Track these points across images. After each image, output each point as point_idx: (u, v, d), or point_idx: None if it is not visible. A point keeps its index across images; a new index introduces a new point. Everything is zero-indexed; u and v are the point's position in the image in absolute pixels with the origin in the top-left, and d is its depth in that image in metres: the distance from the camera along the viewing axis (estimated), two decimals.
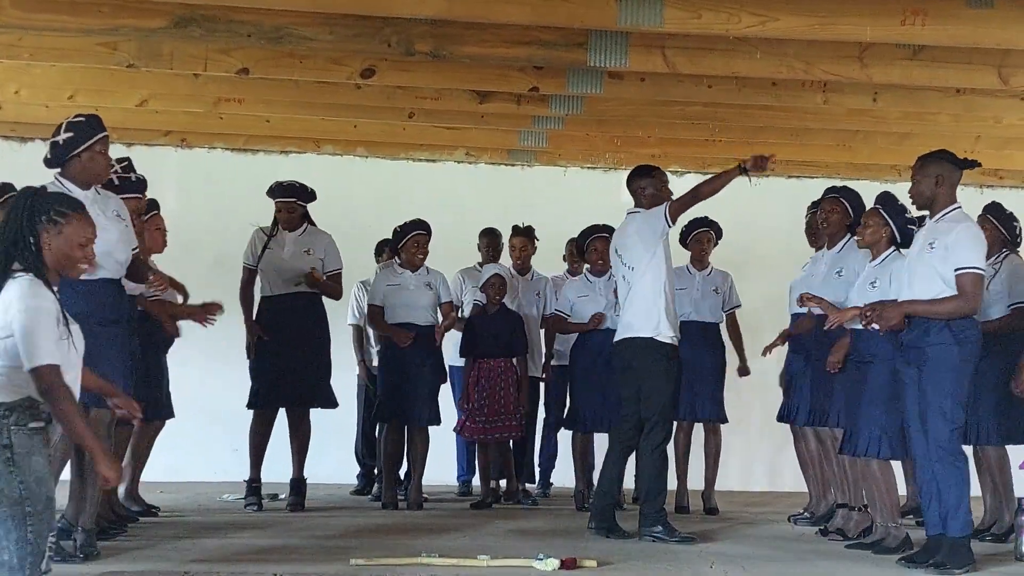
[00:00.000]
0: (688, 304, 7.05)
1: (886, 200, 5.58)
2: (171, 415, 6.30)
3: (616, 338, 5.84)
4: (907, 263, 5.13)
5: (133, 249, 4.93)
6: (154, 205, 6.04)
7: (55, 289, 3.34)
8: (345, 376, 7.74)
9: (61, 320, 3.28)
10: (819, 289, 5.92)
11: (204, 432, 7.94)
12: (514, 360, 6.97)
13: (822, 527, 6.15)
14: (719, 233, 7.27)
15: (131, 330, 4.98)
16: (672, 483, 7.17)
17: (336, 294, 6.80)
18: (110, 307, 4.70)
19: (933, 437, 4.88)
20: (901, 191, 5.49)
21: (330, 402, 6.75)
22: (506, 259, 7.65)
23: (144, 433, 6.22)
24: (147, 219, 5.91)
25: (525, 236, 7.52)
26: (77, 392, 3.35)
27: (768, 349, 6.66)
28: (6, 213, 3.44)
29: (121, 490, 6.14)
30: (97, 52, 6.10)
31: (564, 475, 7.89)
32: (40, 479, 3.21)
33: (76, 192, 4.55)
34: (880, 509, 5.50)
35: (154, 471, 6.56)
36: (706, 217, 7.19)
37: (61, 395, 3.20)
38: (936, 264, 4.93)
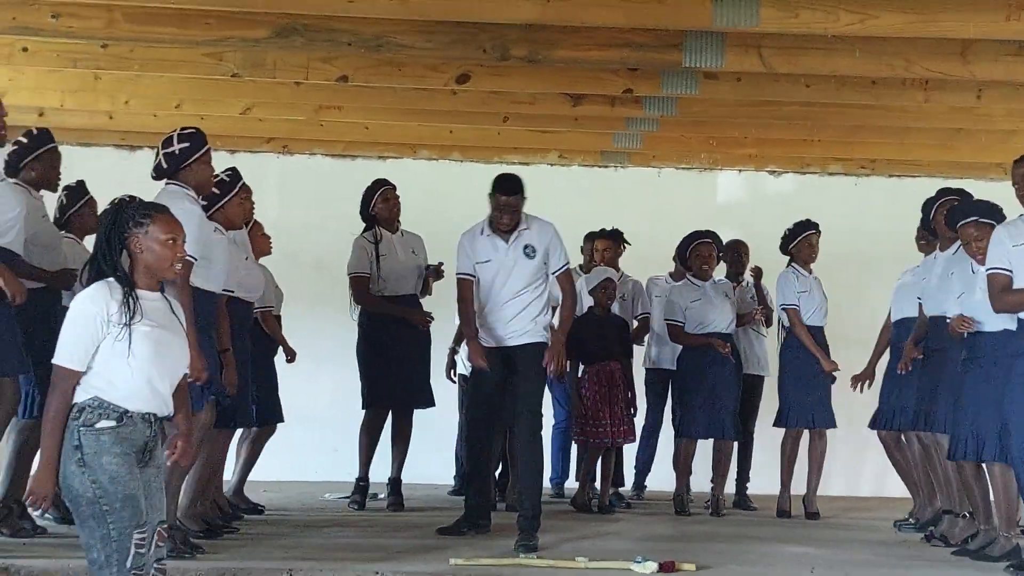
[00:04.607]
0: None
1: (984, 209, 5.43)
2: (279, 420, 6.47)
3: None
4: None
5: None
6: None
7: (135, 294, 3.34)
8: (444, 378, 7.84)
9: (119, 323, 3.28)
10: (935, 292, 5.80)
11: (305, 433, 8.10)
12: (622, 363, 6.96)
13: (926, 533, 6.04)
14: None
15: None
16: (776, 487, 7.14)
17: (429, 292, 6.92)
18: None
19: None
20: (1005, 190, 5.36)
21: (430, 402, 6.85)
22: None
23: (259, 437, 6.42)
24: (250, 227, 6.06)
25: (611, 239, 7.48)
26: (153, 396, 3.35)
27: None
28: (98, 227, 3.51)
29: (230, 489, 6.33)
30: (203, 62, 6.29)
31: (651, 478, 7.90)
32: (114, 478, 3.25)
33: (193, 195, 4.75)
34: (996, 515, 5.33)
35: (258, 471, 6.73)
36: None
37: (55, 395, 3.26)
38: None
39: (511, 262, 5.51)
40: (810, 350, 6.88)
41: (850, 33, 5.43)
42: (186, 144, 4.79)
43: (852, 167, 9.05)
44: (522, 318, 5.47)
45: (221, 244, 5.01)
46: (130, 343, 3.29)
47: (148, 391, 3.35)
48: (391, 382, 6.65)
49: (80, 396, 3.29)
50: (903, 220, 6.75)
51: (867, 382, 6.75)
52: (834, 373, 6.98)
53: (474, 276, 5.60)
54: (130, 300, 3.33)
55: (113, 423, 3.28)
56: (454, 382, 7.40)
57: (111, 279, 3.36)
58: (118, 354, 3.30)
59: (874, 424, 6.54)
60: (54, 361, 3.30)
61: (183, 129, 4.88)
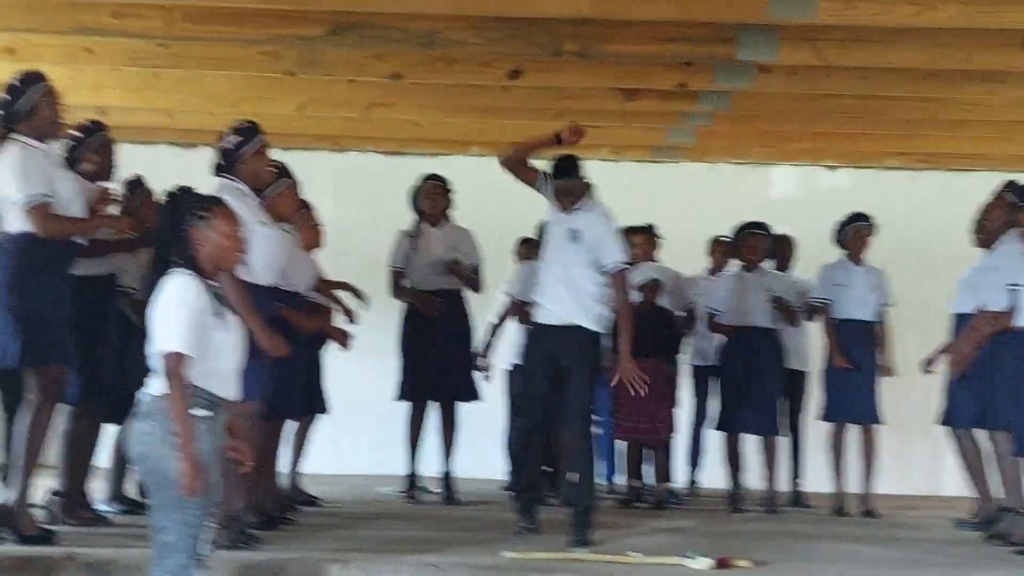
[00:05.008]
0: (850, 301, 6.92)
1: None
2: (324, 410, 6.49)
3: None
4: None
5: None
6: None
7: (211, 283, 3.44)
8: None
9: (215, 313, 3.37)
10: (982, 285, 5.74)
11: (360, 427, 8.17)
12: (661, 359, 6.93)
13: (987, 532, 5.95)
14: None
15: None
16: (831, 485, 7.07)
17: (477, 287, 6.91)
18: None
19: None
20: None
21: (473, 395, 6.87)
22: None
23: (301, 426, 6.46)
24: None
25: (645, 234, 7.43)
26: (231, 383, 3.45)
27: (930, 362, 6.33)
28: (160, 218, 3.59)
29: (285, 482, 6.39)
30: (259, 60, 6.35)
31: (706, 475, 7.85)
32: (204, 465, 3.32)
33: (244, 189, 4.78)
34: None
35: (313, 463, 6.80)
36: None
37: (176, 383, 3.27)
38: None
39: (557, 240, 5.42)
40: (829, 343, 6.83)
41: (908, 25, 5.36)
42: (240, 138, 4.84)
43: (910, 161, 8.92)
44: (562, 297, 5.34)
45: (264, 238, 5.01)
46: (228, 331, 3.38)
47: (233, 378, 3.45)
48: (427, 376, 6.69)
49: None
50: (962, 215, 6.64)
51: (927, 364, 6.63)
52: (890, 369, 6.91)
53: None
54: (213, 291, 3.42)
55: (208, 411, 3.35)
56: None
57: (184, 271, 3.40)
58: (216, 342, 3.36)
59: (942, 420, 6.45)
60: (168, 348, 3.28)
61: (237, 123, 4.93)
